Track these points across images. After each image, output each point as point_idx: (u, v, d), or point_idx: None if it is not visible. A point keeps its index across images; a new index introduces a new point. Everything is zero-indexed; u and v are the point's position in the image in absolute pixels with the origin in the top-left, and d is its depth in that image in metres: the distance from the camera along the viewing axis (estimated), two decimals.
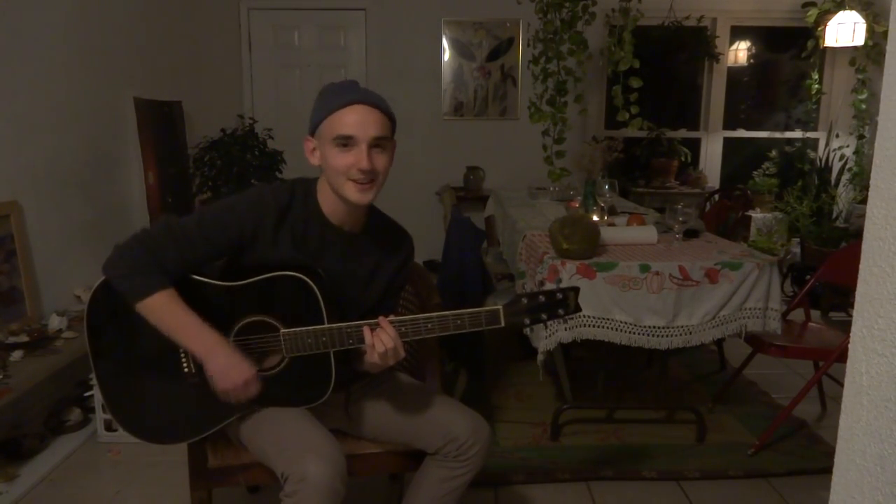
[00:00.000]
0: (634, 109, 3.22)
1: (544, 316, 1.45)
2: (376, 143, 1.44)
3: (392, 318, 1.43)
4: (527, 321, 1.45)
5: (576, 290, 1.48)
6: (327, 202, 1.52)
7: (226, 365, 1.41)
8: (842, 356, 2.37)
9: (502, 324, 1.43)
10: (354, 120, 1.41)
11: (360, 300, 1.59)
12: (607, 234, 2.54)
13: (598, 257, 2.35)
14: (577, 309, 1.48)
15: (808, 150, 5.35)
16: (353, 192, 1.44)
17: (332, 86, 1.49)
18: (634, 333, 2.30)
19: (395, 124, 1.50)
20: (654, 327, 2.30)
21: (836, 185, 5.10)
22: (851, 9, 4.77)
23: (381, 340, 1.40)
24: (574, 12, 3.31)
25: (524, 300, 1.44)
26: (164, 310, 1.41)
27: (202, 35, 4.93)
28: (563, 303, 1.46)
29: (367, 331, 1.41)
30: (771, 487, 2.30)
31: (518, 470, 2.36)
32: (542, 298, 1.45)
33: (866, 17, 4.75)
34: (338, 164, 1.43)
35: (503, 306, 1.43)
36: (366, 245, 1.59)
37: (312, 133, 1.49)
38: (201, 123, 4.54)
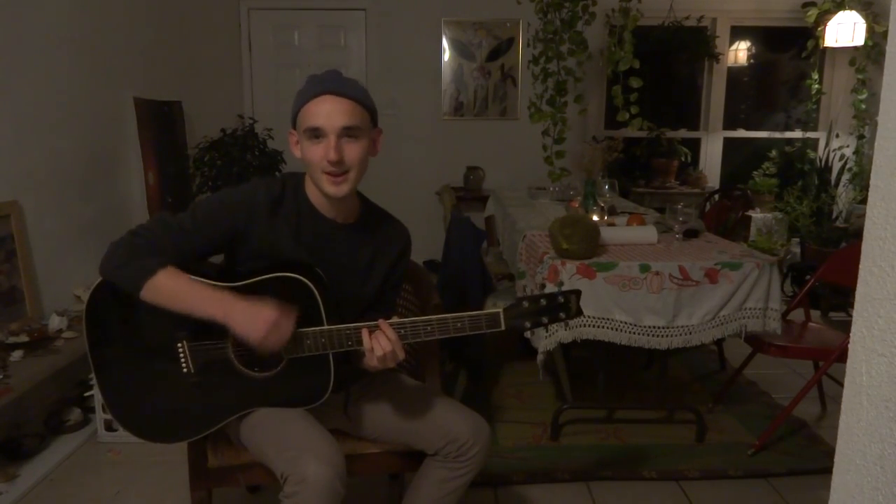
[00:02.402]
0: (634, 109, 3.21)
1: (545, 319, 1.43)
2: (346, 133, 1.42)
3: (392, 320, 1.42)
4: (527, 325, 1.43)
5: (577, 293, 1.46)
6: (315, 195, 1.52)
7: (249, 315, 1.36)
8: (842, 356, 2.37)
9: (503, 327, 1.41)
10: (322, 111, 1.41)
11: (360, 294, 1.59)
12: (607, 234, 2.54)
13: (598, 257, 2.35)
14: (579, 313, 1.46)
15: (808, 150, 5.35)
16: (327, 186, 1.44)
17: (311, 77, 1.48)
18: (634, 333, 2.30)
19: (375, 113, 1.50)
20: (654, 327, 2.30)
21: (836, 185, 5.10)
22: (851, 9, 4.77)
23: (380, 344, 1.39)
24: (574, 12, 3.31)
25: (525, 303, 1.43)
26: (170, 286, 1.39)
27: (202, 35, 4.93)
28: (564, 306, 1.44)
29: (365, 334, 1.40)
30: (771, 487, 2.30)
31: (518, 470, 2.36)
32: (543, 302, 1.43)
33: (866, 17, 4.75)
34: (311, 157, 1.43)
35: (503, 310, 1.41)
36: (361, 236, 1.58)
37: (294, 126, 1.50)
38: (201, 123, 4.54)
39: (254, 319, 1.36)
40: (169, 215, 1.46)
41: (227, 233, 1.46)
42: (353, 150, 1.43)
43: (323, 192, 1.46)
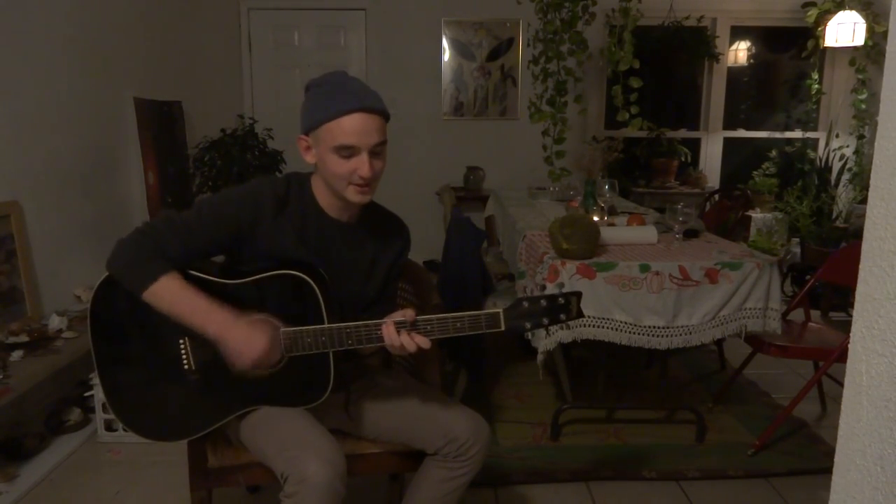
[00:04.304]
0: (634, 109, 3.21)
1: (546, 321, 1.43)
2: (376, 149, 1.45)
3: (397, 319, 1.42)
4: (527, 325, 1.42)
5: (578, 294, 1.46)
6: (322, 196, 1.54)
7: (243, 342, 1.39)
8: (842, 356, 2.37)
9: (502, 328, 1.41)
10: (356, 129, 1.42)
11: (362, 292, 1.60)
12: (607, 234, 2.54)
13: (598, 257, 2.35)
14: (580, 314, 1.46)
15: (808, 150, 5.35)
16: (353, 195, 1.47)
17: (324, 83, 1.47)
18: (634, 333, 2.30)
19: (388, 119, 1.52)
20: (654, 327, 2.30)
21: (836, 185, 5.10)
22: (851, 9, 4.77)
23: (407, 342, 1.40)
24: (574, 12, 3.31)
25: (525, 304, 1.42)
26: (171, 294, 1.41)
27: (202, 35, 4.93)
28: (565, 308, 1.43)
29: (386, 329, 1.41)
30: (771, 487, 2.30)
31: (518, 470, 2.36)
32: (543, 303, 1.42)
33: (866, 17, 4.75)
34: (339, 171, 1.44)
35: (504, 310, 1.41)
36: (363, 235, 1.60)
37: (307, 132, 1.49)
38: (201, 123, 4.54)
39: (247, 347, 1.39)
40: (175, 213, 1.47)
41: (233, 231, 1.47)
42: (379, 164, 1.48)
43: (346, 200, 1.48)
